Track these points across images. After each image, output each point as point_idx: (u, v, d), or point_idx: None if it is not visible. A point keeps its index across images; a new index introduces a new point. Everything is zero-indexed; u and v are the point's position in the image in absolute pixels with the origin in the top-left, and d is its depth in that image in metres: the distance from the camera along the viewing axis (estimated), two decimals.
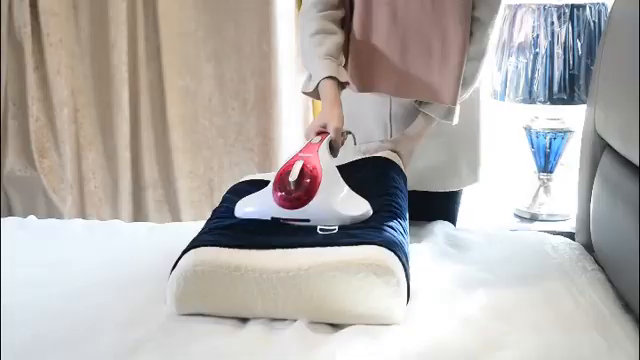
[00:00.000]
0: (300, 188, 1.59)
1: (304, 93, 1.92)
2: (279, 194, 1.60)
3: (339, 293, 1.43)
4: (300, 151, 1.70)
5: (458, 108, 1.91)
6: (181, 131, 2.91)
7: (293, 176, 1.59)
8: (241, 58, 2.86)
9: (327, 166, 1.66)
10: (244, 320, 1.46)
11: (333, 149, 1.77)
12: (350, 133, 1.86)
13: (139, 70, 2.86)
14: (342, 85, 1.90)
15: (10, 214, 2.78)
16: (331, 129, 1.77)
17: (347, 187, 1.65)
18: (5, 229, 1.90)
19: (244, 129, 2.91)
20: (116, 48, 2.81)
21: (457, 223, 2.11)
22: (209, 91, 2.89)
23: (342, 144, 1.82)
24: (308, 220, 1.59)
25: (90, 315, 1.49)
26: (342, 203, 1.62)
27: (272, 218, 1.60)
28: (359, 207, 1.64)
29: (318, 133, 1.77)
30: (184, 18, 2.84)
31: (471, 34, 1.87)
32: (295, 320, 1.44)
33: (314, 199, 1.59)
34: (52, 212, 2.85)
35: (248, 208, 1.65)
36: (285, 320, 1.46)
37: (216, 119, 2.91)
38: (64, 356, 1.35)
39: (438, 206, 1.78)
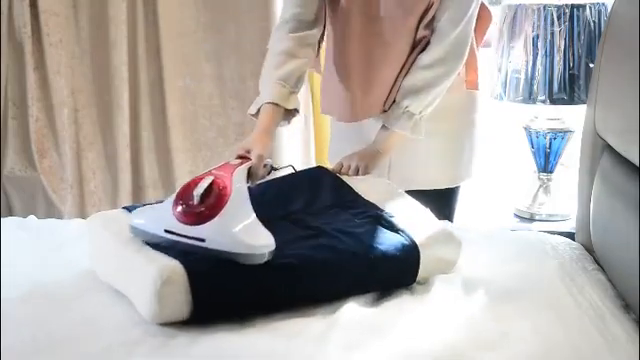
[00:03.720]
0: (204, 204, 1.48)
1: (250, 115, 1.89)
2: (179, 206, 1.49)
3: None
4: (214, 168, 1.61)
5: (423, 123, 1.93)
6: (181, 131, 2.91)
7: (199, 189, 1.49)
8: (241, 58, 2.86)
9: (239, 190, 1.55)
10: (244, 320, 1.46)
11: (251, 177, 1.70)
12: (274, 169, 1.80)
13: (139, 70, 2.86)
14: (291, 113, 1.88)
15: (10, 214, 2.78)
16: (254, 155, 1.70)
17: (254, 216, 1.52)
18: (5, 229, 1.90)
19: (244, 129, 2.91)
20: (116, 48, 2.81)
21: (454, 221, 2.11)
22: (209, 91, 2.89)
23: (262, 177, 1.76)
24: (203, 240, 1.45)
25: (90, 315, 1.49)
26: (244, 230, 1.47)
27: (165, 230, 1.47)
28: (261, 238, 1.48)
29: (240, 157, 1.70)
30: (184, 18, 2.84)
31: (429, 42, 1.91)
32: (295, 319, 1.45)
33: (215, 218, 1.46)
34: (52, 212, 2.85)
35: (139, 219, 1.54)
36: (285, 320, 1.46)
37: (216, 119, 2.91)
38: (64, 356, 1.35)
39: (434, 204, 1.78)
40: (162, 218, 1.50)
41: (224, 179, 1.54)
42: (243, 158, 1.70)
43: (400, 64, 1.93)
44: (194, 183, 1.53)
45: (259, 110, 1.87)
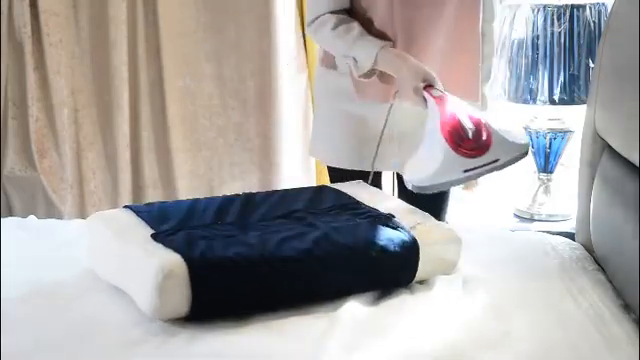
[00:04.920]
0: (477, 135, 1.64)
1: (359, 77, 1.90)
2: (462, 146, 1.64)
3: None
4: (439, 107, 1.70)
5: None
6: (181, 131, 2.91)
7: (469, 127, 1.64)
8: (241, 58, 2.86)
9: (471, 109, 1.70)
10: (244, 320, 1.46)
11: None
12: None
13: (139, 70, 2.86)
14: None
15: (10, 214, 2.78)
16: (432, 79, 1.78)
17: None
18: (5, 229, 1.90)
19: (244, 129, 2.91)
20: (116, 48, 2.81)
21: (445, 217, 2.11)
22: (209, 91, 2.89)
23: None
24: (497, 160, 1.64)
25: (90, 315, 1.49)
26: (514, 133, 1.71)
27: (464, 171, 1.64)
28: (517, 132, 1.73)
29: (426, 87, 1.77)
30: (184, 18, 2.84)
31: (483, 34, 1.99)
32: (295, 318, 1.45)
33: (494, 138, 1.65)
34: (52, 212, 2.85)
35: (427, 171, 1.67)
36: (285, 319, 1.46)
37: (216, 119, 2.91)
38: (64, 356, 1.35)
39: (424, 199, 1.80)
40: (449, 163, 1.65)
41: (462, 108, 1.69)
42: (429, 87, 1.78)
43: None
44: (453, 126, 1.66)
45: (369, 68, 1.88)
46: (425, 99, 1.77)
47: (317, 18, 1.94)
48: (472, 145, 1.65)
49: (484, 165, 1.65)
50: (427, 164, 1.68)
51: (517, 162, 1.69)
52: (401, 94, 1.85)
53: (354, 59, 1.89)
